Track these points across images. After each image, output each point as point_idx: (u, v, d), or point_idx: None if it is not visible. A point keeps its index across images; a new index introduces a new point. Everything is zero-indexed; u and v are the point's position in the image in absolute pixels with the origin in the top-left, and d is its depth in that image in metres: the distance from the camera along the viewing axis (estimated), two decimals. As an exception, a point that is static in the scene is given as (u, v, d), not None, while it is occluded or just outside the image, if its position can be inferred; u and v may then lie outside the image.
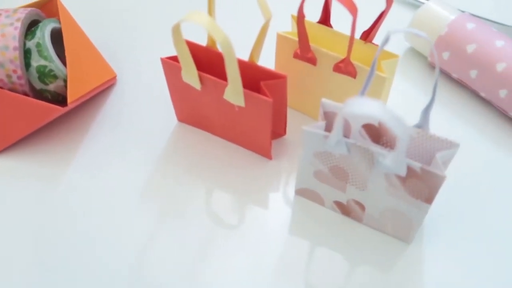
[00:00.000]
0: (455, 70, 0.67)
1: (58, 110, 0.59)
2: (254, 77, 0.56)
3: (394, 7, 0.81)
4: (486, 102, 0.69)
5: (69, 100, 0.59)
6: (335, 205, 0.57)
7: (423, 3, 0.80)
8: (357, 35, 0.77)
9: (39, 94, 0.63)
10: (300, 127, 0.66)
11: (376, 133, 0.53)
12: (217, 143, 0.65)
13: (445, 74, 0.72)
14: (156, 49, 0.76)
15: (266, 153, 0.62)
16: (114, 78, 0.70)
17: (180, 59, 0.53)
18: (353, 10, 0.49)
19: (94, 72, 0.65)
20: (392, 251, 0.55)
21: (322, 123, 0.52)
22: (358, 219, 0.57)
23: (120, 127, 0.66)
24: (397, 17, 0.80)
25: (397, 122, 0.40)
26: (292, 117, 0.67)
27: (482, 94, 0.66)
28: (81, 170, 0.62)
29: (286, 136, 0.65)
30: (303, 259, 0.55)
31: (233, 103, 0.55)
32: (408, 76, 0.72)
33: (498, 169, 0.62)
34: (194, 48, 0.58)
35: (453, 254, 0.55)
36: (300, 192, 0.59)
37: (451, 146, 0.49)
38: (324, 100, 0.52)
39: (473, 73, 0.65)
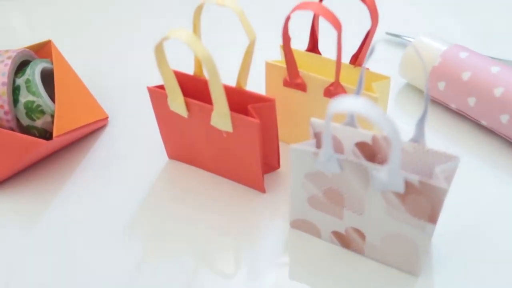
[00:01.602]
0: (453, 100, 0.66)
1: (42, 143, 0.57)
2: (241, 103, 0.55)
3: (384, 46, 0.81)
4: (488, 131, 0.66)
5: (54, 134, 0.58)
6: (333, 236, 0.53)
7: (410, 41, 0.80)
8: (346, 59, 0.77)
9: (26, 131, 0.62)
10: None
11: (370, 152, 0.50)
12: (208, 178, 0.62)
13: (443, 106, 0.70)
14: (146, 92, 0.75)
15: (258, 186, 0.59)
16: (106, 119, 0.69)
17: (164, 81, 0.52)
18: (337, 25, 0.48)
19: (83, 110, 0.64)
20: (399, 285, 0.50)
21: (312, 141, 0.49)
22: (359, 251, 0.52)
23: (108, 166, 0.64)
24: (387, 56, 0.80)
25: (385, 120, 0.38)
26: (286, 151, 0.65)
27: (483, 123, 0.64)
28: (63, 208, 0.59)
29: (280, 170, 0.62)
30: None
31: (221, 129, 0.53)
32: (406, 111, 0.70)
33: (506, 195, 0.57)
34: (181, 78, 0.57)
35: (466, 284, 0.49)
36: (295, 224, 0.55)
37: (450, 159, 0.46)
38: (313, 119, 0.50)
39: (472, 101, 0.63)
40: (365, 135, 0.49)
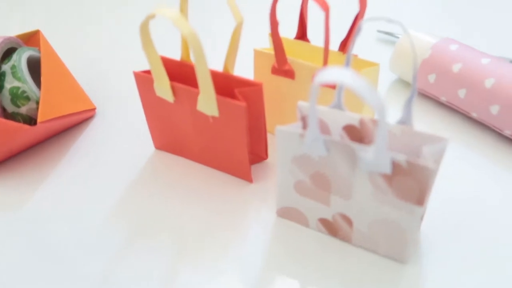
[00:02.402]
0: (443, 92, 0.65)
1: (25, 129, 0.56)
2: (228, 87, 0.54)
3: (372, 45, 0.81)
4: (478, 123, 0.65)
5: (39, 120, 0.57)
6: (320, 223, 0.52)
7: (398, 37, 0.80)
8: (335, 47, 0.77)
9: (11, 118, 0.61)
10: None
11: (357, 136, 0.49)
12: (194, 169, 0.61)
13: (434, 99, 0.69)
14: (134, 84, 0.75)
15: (245, 175, 0.57)
16: (93, 110, 0.68)
17: (149, 63, 0.51)
18: (324, 6, 0.48)
19: (70, 99, 0.63)
20: (387, 273, 0.48)
21: (299, 124, 0.48)
22: (347, 239, 0.51)
23: (94, 156, 0.63)
24: (377, 54, 0.79)
25: (371, 92, 0.37)
26: (274, 142, 0.64)
27: (474, 115, 0.63)
28: (48, 197, 0.58)
29: (268, 160, 0.61)
30: None
31: (207, 114, 0.52)
32: (397, 105, 0.69)
33: (495, 185, 0.56)
34: (167, 63, 0.57)
35: (455, 273, 0.48)
36: (282, 212, 0.54)
37: (439, 141, 0.45)
38: (301, 102, 0.50)
39: (462, 93, 0.63)
40: (352, 118, 0.48)
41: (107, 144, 0.65)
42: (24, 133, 0.57)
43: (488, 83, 0.61)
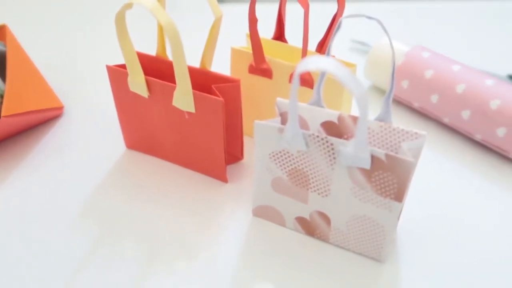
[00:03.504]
0: (416, 98, 0.66)
1: (-12, 122, 0.53)
2: (205, 84, 0.53)
3: (346, 53, 0.82)
4: (450, 128, 0.66)
5: (3, 114, 0.54)
6: (297, 222, 0.51)
7: (371, 47, 0.81)
8: (312, 47, 0.77)
9: (-29, 112, 0.58)
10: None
11: (336, 132, 0.49)
12: (167, 168, 0.59)
13: (406, 105, 0.70)
14: (107, 84, 0.73)
15: (220, 175, 0.56)
16: (61, 109, 0.66)
17: (124, 55, 0.49)
18: (304, 3, 0.48)
19: (36, 95, 0.61)
20: (364, 272, 0.48)
21: (277, 119, 0.47)
22: (324, 237, 0.50)
23: (61, 156, 0.60)
24: (351, 62, 0.80)
25: (354, 80, 0.37)
26: (250, 144, 0.63)
27: (446, 120, 0.64)
28: (9, 197, 0.54)
29: (243, 161, 0.60)
30: None
31: (183, 109, 0.51)
32: (371, 111, 0.70)
33: (466, 187, 0.57)
34: (142, 58, 0.55)
35: (430, 272, 0.48)
36: (258, 211, 0.52)
37: (417, 137, 0.45)
38: (279, 99, 0.49)
39: (434, 98, 0.64)
40: (331, 114, 0.48)
41: (75, 143, 0.62)
42: (-14, 127, 0.54)
43: (459, 88, 0.62)
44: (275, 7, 0.94)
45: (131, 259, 0.48)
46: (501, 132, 0.59)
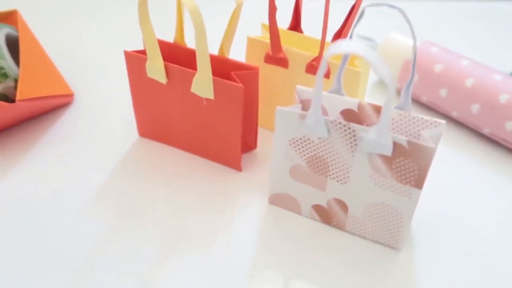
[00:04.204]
0: (425, 92, 0.67)
1: (4, 106, 0.52)
2: (223, 71, 0.53)
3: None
4: (459, 123, 0.67)
5: (18, 97, 0.53)
6: (314, 210, 0.51)
7: (376, 42, 0.82)
8: (328, 38, 0.78)
9: (-16, 96, 0.57)
10: (271, 143, 0.62)
11: (355, 120, 0.49)
12: (181, 156, 0.59)
13: (414, 100, 0.71)
14: (117, 73, 0.72)
15: (235, 163, 0.56)
16: (71, 96, 0.65)
17: (144, 40, 0.49)
18: (326, -9, 0.48)
19: (48, 81, 0.60)
20: (381, 260, 0.48)
21: (298, 106, 0.48)
22: (341, 225, 0.51)
23: (73, 141, 0.60)
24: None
25: (384, 66, 0.37)
26: (263, 134, 0.63)
27: (454, 114, 0.65)
28: (23, 181, 0.54)
29: (256, 151, 0.60)
30: (280, 278, 0.47)
31: (201, 96, 0.51)
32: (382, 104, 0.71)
33: (474, 180, 0.58)
34: (161, 45, 0.55)
35: (447, 261, 0.49)
36: (274, 199, 0.53)
37: (436, 125, 0.46)
38: (299, 86, 0.49)
39: (443, 92, 0.65)
40: (351, 102, 0.48)
41: (85, 131, 0.62)
42: (1, 111, 0.53)
43: (469, 82, 0.63)
44: None
45: (146, 247, 0.48)
46: (509, 125, 0.60)
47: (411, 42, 0.70)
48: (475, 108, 0.62)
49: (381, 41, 0.72)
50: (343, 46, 0.37)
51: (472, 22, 0.93)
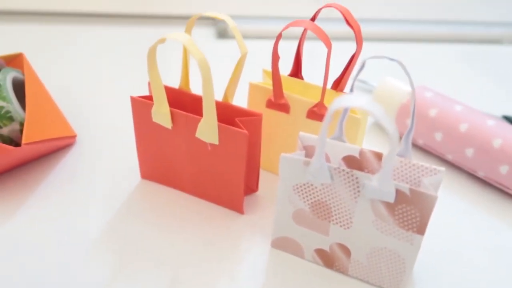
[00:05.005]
0: (420, 136, 0.69)
1: (9, 150, 0.53)
2: (227, 117, 0.55)
3: (348, 91, 0.85)
4: (453, 165, 0.69)
5: (24, 141, 0.54)
6: (316, 254, 0.52)
7: (372, 85, 0.85)
8: (328, 85, 0.80)
9: (-11, 139, 0.57)
10: (272, 185, 0.62)
11: (357, 166, 0.50)
12: (183, 199, 0.59)
13: (411, 143, 0.73)
14: (118, 115, 0.73)
15: (237, 206, 0.57)
16: (74, 137, 0.66)
17: (152, 87, 0.51)
18: (327, 42, 0.50)
19: (52, 123, 0.61)
20: (383, 305, 0.49)
21: (301, 152, 0.49)
22: (343, 270, 0.51)
23: (75, 184, 0.60)
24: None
25: (387, 119, 0.39)
26: (264, 177, 0.64)
27: (449, 157, 0.67)
28: (23, 227, 0.54)
29: (257, 193, 0.61)
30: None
31: (206, 141, 0.52)
32: (374, 147, 0.72)
33: (467, 222, 0.60)
34: (166, 91, 0.57)
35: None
36: (277, 243, 0.53)
37: (435, 172, 0.47)
38: (302, 133, 0.51)
39: (438, 136, 0.67)
40: (352, 149, 0.50)
41: (87, 173, 0.62)
42: (7, 155, 0.53)
43: (463, 127, 0.65)
44: (288, 44, 0.97)
45: (149, 287, 0.48)
46: (504, 169, 0.62)
47: (406, 87, 0.72)
48: (469, 152, 0.64)
49: (376, 85, 0.74)
50: (348, 100, 0.39)
51: (462, 65, 0.97)
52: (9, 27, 0.96)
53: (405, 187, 0.44)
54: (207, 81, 0.47)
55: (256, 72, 0.88)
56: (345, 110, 0.49)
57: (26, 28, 0.96)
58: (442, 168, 0.47)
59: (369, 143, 0.73)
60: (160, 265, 0.51)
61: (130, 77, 0.83)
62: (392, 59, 0.45)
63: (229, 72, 0.87)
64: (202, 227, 0.56)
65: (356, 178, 0.45)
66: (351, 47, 1.00)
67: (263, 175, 0.64)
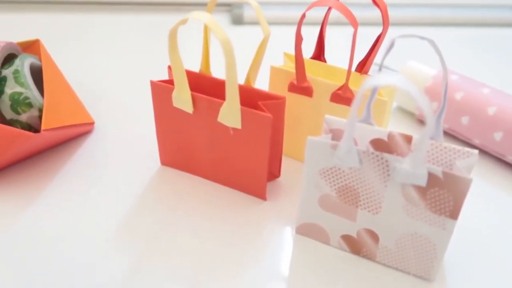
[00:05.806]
0: (445, 120, 0.67)
1: (29, 136, 0.52)
2: (250, 100, 0.53)
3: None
4: (480, 150, 0.67)
5: (43, 127, 0.53)
6: (343, 241, 0.50)
7: (397, 71, 0.83)
8: (352, 67, 0.78)
9: (8, 125, 0.56)
10: (295, 171, 0.61)
11: (385, 150, 0.49)
12: (204, 185, 0.58)
13: (435, 128, 0.71)
14: (136, 101, 0.72)
15: (260, 192, 0.56)
16: (92, 124, 0.65)
17: (173, 70, 0.49)
18: (353, 21, 0.48)
19: (70, 110, 0.60)
20: (413, 292, 0.47)
21: (327, 135, 0.48)
22: (371, 256, 0.50)
23: (94, 170, 0.59)
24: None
25: (423, 97, 0.37)
26: (286, 163, 0.63)
27: (476, 141, 0.65)
28: (44, 212, 0.53)
29: (279, 179, 0.60)
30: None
31: (228, 126, 0.51)
32: (401, 131, 0.70)
33: (498, 209, 0.58)
34: (187, 75, 0.55)
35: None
36: (302, 229, 0.52)
37: (468, 155, 0.46)
38: (328, 116, 0.49)
39: (465, 120, 0.65)
40: (381, 132, 0.48)
41: (106, 160, 0.61)
42: (26, 141, 0.53)
43: (491, 110, 0.63)
44: (309, 30, 0.95)
45: (171, 278, 0.47)
46: (534, 153, 0.60)
47: (429, 71, 0.70)
48: (498, 136, 0.62)
49: (400, 70, 0.72)
50: (382, 78, 0.37)
51: (487, 48, 0.94)
52: (25, 16, 0.95)
53: (437, 170, 0.42)
54: (230, 62, 0.45)
55: (276, 58, 0.86)
56: (373, 92, 0.47)
57: (42, 16, 0.95)
58: (476, 151, 0.45)
59: (392, 127, 0.71)
60: (184, 251, 0.50)
61: (147, 64, 0.82)
62: (423, 38, 0.44)
63: (244, 59, 0.86)
64: (224, 213, 0.54)
65: (386, 161, 0.43)
66: (372, 32, 0.97)
67: (285, 161, 0.63)
